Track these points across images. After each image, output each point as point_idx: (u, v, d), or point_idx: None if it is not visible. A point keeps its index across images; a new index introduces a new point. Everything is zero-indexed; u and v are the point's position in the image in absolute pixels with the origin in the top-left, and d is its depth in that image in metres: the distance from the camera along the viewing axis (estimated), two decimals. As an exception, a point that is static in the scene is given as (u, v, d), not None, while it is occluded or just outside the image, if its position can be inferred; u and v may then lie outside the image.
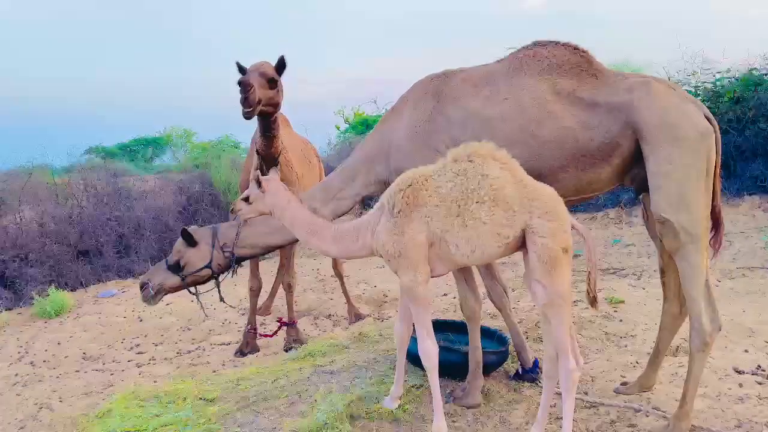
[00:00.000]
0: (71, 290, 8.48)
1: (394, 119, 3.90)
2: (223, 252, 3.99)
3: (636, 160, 3.54)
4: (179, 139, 24.43)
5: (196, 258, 4.01)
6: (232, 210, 3.57)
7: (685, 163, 3.34)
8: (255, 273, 5.67)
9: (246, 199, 3.50)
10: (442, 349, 4.14)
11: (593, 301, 3.16)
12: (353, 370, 4.33)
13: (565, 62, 3.68)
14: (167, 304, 7.61)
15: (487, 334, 4.61)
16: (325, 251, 3.49)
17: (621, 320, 5.38)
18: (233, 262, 4.06)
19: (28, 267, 8.27)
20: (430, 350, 3.28)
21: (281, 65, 4.51)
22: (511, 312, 4.32)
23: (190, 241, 3.99)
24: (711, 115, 3.50)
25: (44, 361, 5.86)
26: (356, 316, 6.22)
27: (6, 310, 7.65)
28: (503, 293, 4.24)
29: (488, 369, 4.17)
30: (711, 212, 3.43)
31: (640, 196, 3.86)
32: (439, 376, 3.32)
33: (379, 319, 6.19)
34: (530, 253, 3.07)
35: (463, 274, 3.84)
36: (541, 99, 3.57)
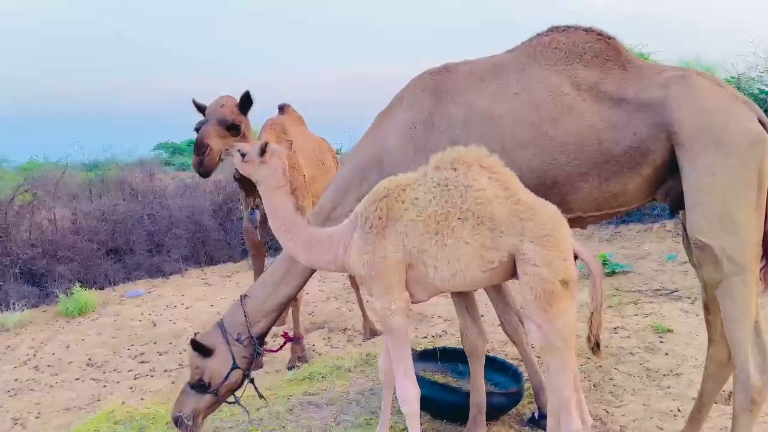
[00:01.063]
0: (99, 289, 8.37)
1: (387, 122, 3.34)
2: (241, 342, 3.39)
3: (671, 170, 2.90)
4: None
5: (219, 365, 3.36)
6: (227, 150, 3.16)
7: (731, 176, 2.70)
8: (259, 283, 5.25)
9: (244, 155, 3.04)
10: (441, 388, 3.62)
11: (594, 349, 2.56)
12: (342, 402, 3.85)
13: (587, 50, 3.06)
14: (186, 308, 7.39)
15: (500, 367, 4.03)
16: (294, 255, 3.00)
17: (666, 353, 4.64)
18: (257, 345, 3.43)
19: (57, 264, 8.18)
20: (408, 392, 2.75)
21: (246, 102, 4.16)
22: (528, 345, 3.72)
23: (204, 351, 3.38)
24: (767, 119, 2.81)
25: (48, 366, 5.65)
26: (371, 332, 5.72)
27: (32, 307, 7.58)
28: (519, 323, 3.64)
29: (497, 412, 3.59)
30: (763, 237, 2.74)
31: (678, 215, 3.19)
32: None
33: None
34: (522, 285, 2.50)
35: (463, 299, 3.29)
36: (557, 93, 2.97)
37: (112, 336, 6.44)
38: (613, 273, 6.90)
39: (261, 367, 5.27)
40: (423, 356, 4.12)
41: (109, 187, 9.72)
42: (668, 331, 5.07)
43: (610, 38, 3.12)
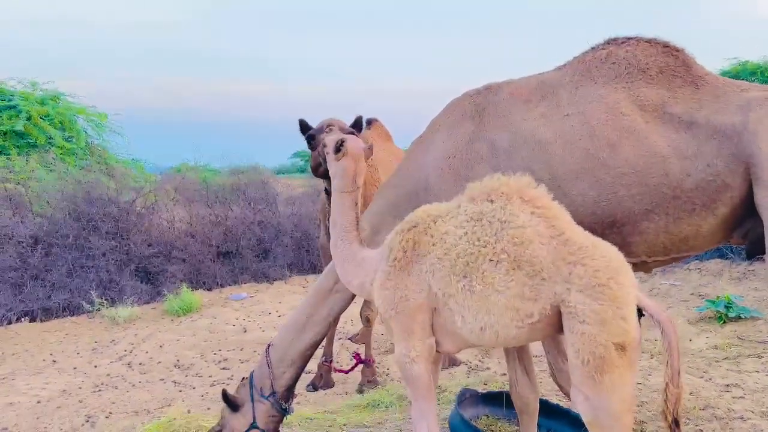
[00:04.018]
0: (207, 290, 8.73)
1: (423, 152, 3.04)
2: (267, 400, 3.20)
3: (751, 209, 2.44)
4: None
5: (238, 423, 3.22)
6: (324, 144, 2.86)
7: None
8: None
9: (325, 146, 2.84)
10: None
11: (673, 428, 2.08)
12: (394, 439, 3.59)
13: (650, 65, 2.63)
14: (279, 316, 7.46)
15: (561, 415, 3.54)
16: (336, 267, 2.77)
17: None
18: (281, 404, 3.23)
19: (170, 264, 8.64)
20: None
21: (357, 126, 4.20)
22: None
23: (232, 406, 3.25)
24: None
25: (140, 364, 5.91)
26: (450, 360, 5.38)
27: (143, 304, 8.05)
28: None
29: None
30: None
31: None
32: None
33: (474, 369, 5.28)
34: (567, 346, 2.10)
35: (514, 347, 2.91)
36: (615, 114, 2.56)
37: (204, 339, 6.63)
38: (738, 318, 6.03)
39: (331, 387, 5.15)
40: (487, 400, 3.75)
41: (226, 194, 10.11)
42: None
43: (678, 50, 2.66)
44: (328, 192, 4.45)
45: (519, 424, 3.01)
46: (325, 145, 2.78)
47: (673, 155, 2.45)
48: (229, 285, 9.08)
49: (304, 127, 4.30)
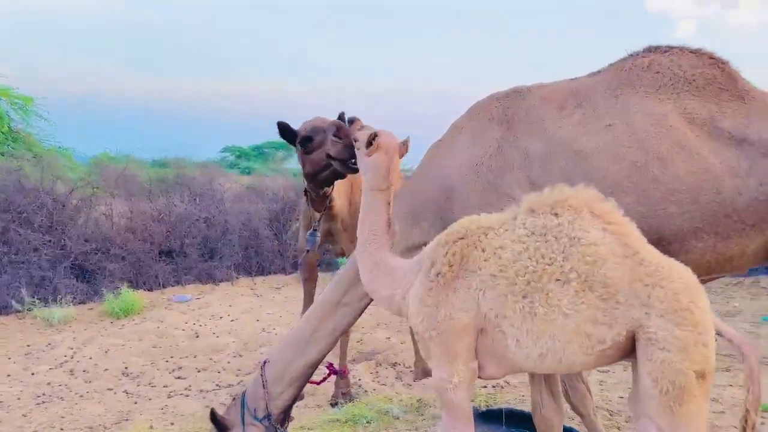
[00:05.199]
0: (148, 290, 8.19)
1: (446, 157, 2.86)
2: (260, 423, 2.92)
3: None
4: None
5: None
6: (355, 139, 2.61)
7: None
8: (308, 308, 4.82)
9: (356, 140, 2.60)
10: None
11: None
12: (387, 460, 3.37)
13: (697, 76, 2.55)
14: (231, 321, 7.09)
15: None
16: (360, 272, 2.51)
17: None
18: (276, 428, 2.97)
19: (109, 261, 8.04)
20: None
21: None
22: (596, 416, 3.17)
23: (220, 427, 2.97)
24: None
25: (84, 371, 5.42)
26: (423, 372, 5.20)
27: (79, 303, 7.45)
28: (586, 392, 3.10)
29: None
30: None
31: None
32: None
33: (449, 380, 5.13)
34: (643, 375, 1.94)
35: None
36: (664, 126, 2.46)
37: (153, 344, 6.17)
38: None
39: (301, 399, 4.85)
40: (486, 417, 3.59)
41: (169, 188, 9.57)
42: (769, 410, 4.37)
43: (723, 62, 2.60)
44: (310, 193, 4.13)
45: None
46: (356, 140, 2.54)
47: (726, 173, 2.38)
48: (172, 285, 8.55)
49: (285, 129, 3.79)
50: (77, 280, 7.69)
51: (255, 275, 9.29)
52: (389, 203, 2.43)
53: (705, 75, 2.57)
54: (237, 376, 5.34)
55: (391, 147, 2.46)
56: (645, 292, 1.93)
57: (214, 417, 2.98)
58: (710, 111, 2.49)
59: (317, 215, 4.10)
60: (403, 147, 2.52)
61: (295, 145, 3.53)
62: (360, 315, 3.04)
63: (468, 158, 2.74)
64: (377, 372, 5.45)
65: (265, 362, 3.03)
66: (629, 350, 2.01)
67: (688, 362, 1.86)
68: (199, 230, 9.10)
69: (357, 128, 2.74)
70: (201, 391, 5.00)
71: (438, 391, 2.24)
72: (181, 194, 9.47)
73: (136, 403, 4.70)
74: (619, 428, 4.07)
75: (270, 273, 9.47)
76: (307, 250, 4.19)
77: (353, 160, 2.89)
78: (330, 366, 4.93)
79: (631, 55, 2.74)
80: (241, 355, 5.86)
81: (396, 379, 5.23)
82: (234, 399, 3.06)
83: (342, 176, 3.29)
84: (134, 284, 8.04)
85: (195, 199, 9.42)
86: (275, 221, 9.87)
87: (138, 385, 5.13)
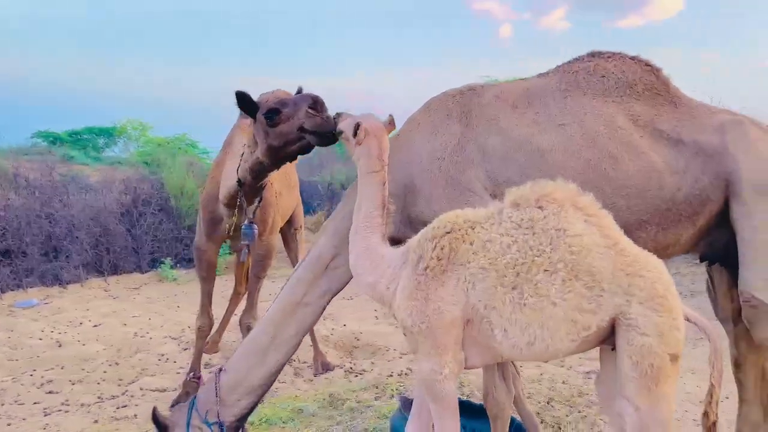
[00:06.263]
0: (-18, 296, 7.21)
1: (404, 152, 2.88)
2: (209, 427, 2.79)
3: (719, 221, 2.75)
4: (135, 131, 23.07)
5: None
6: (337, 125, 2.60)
7: None
8: (206, 309, 4.55)
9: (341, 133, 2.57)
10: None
11: (710, 430, 2.23)
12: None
13: (637, 81, 2.83)
14: (95, 326, 6.48)
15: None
16: (350, 253, 2.49)
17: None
18: None
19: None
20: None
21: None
22: (523, 396, 3.42)
23: (161, 428, 2.84)
24: None
25: (-75, 394, 4.64)
26: (323, 366, 5.18)
27: None
28: (516, 373, 3.31)
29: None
30: None
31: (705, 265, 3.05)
32: None
33: (351, 372, 5.16)
34: (623, 358, 2.09)
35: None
36: (613, 127, 2.69)
37: (8, 357, 5.45)
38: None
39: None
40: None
41: (1, 180, 8.46)
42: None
43: (658, 70, 2.91)
44: (246, 181, 3.73)
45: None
46: (341, 132, 2.49)
47: (667, 170, 2.66)
48: (12, 290, 7.60)
49: (244, 98, 3.32)
50: None
51: (108, 275, 8.55)
52: (384, 183, 2.43)
53: (644, 81, 2.83)
54: (119, 386, 4.90)
55: (378, 129, 2.46)
56: (626, 281, 2.09)
57: (155, 416, 2.83)
58: (650, 114, 2.76)
59: (252, 207, 3.86)
60: (390, 125, 2.54)
61: (254, 117, 3.22)
62: (322, 313, 2.97)
63: (428, 153, 2.79)
64: (273, 370, 5.31)
65: (220, 369, 2.86)
66: (606, 336, 2.18)
67: (665, 346, 2.04)
68: (41, 227, 8.17)
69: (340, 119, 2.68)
70: (82, 405, 4.52)
71: (426, 383, 2.26)
72: (16, 187, 8.42)
73: (9, 424, 4.13)
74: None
75: (124, 272, 8.78)
76: (247, 244, 3.94)
77: (330, 133, 2.85)
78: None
79: (576, 59, 2.94)
80: (117, 363, 5.37)
81: (295, 376, 5.13)
82: (184, 404, 2.88)
83: (309, 151, 3.12)
84: (-35, 290, 7.04)
85: (34, 192, 8.42)
86: (127, 215, 9.15)
87: (2, 405, 4.50)
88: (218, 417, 2.78)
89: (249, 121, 4.78)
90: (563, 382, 4.71)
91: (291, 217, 5.21)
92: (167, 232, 9.40)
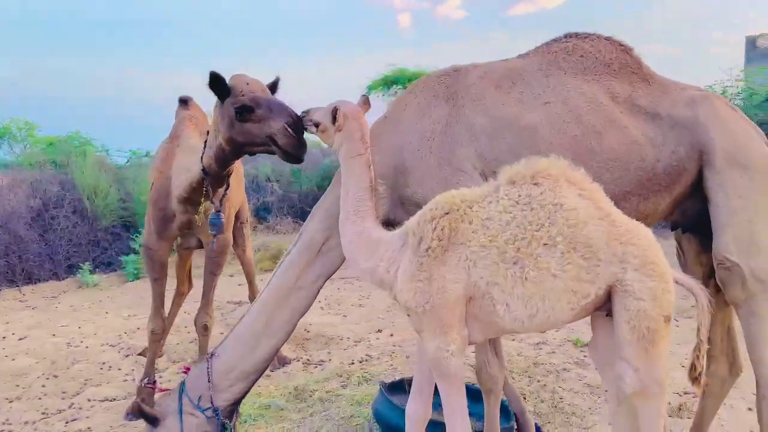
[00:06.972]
0: None
1: (393, 133, 2.89)
2: (202, 413, 2.71)
3: (692, 190, 2.94)
4: (20, 131, 21.46)
5: None
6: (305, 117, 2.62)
7: (757, 198, 2.82)
8: (159, 311, 4.33)
9: (318, 124, 2.52)
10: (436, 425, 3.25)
11: (696, 380, 2.39)
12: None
13: (613, 60, 2.98)
14: (20, 339, 6.04)
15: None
16: (342, 240, 2.49)
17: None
18: (224, 423, 2.77)
19: None
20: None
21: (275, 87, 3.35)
22: (506, 369, 3.52)
23: (149, 419, 2.72)
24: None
25: None
26: (279, 360, 5.09)
27: None
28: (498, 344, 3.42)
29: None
30: None
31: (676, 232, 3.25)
32: None
33: (309, 363, 5.11)
34: (620, 323, 2.21)
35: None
36: (596, 104, 2.82)
37: (-73, 379, 4.97)
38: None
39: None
40: (392, 389, 3.69)
41: None
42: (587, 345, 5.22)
43: (630, 49, 3.06)
44: (212, 170, 3.49)
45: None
46: (318, 124, 2.44)
47: (647, 143, 2.81)
48: None
49: (218, 80, 3.03)
50: None
51: (21, 285, 7.97)
52: (370, 166, 2.43)
53: (619, 59, 2.97)
54: (64, 399, 4.60)
55: (356, 111, 2.47)
56: (621, 250, 2.21)
57: (140, 409, 2.71)
58: (627, 91, 2.90)
59: (219, 195, 3.68)
60: (365, 105, 2.56)
61: (222, 101, 3.04)
62: (316, 296, 2.92)
63: (418, 133, 2.81)
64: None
65: (212, 354, 2.76)
66: (601, 303, 2.29)
67: (659, 308, 2.18)
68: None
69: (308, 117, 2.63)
70: (26, 423, 4.20)
71: (433, 362, 2.29)
72: None
73: (-52, 453, 3.79)
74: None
75: (39, 281, 8.21)
76: (215, 234, 3.77)
77: (297, 154, 2.85)
78: (187, 369, 4.54)
79: (554, 39, 3.05)
80: (56, 376, 5.03)
81: (252, 372, 5.01)
82: (171, 391, 2.81)
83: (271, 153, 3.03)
84: None
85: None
86: (38, 219, 8.55)
87: (-68, 432, 4.12)
88: (212, 402, 2.71)
89: (195, 113, 4.64)
90: (518, 354, 4.90)
91: (238, 211, 5.07)
92: (83, 236, 8.88)
